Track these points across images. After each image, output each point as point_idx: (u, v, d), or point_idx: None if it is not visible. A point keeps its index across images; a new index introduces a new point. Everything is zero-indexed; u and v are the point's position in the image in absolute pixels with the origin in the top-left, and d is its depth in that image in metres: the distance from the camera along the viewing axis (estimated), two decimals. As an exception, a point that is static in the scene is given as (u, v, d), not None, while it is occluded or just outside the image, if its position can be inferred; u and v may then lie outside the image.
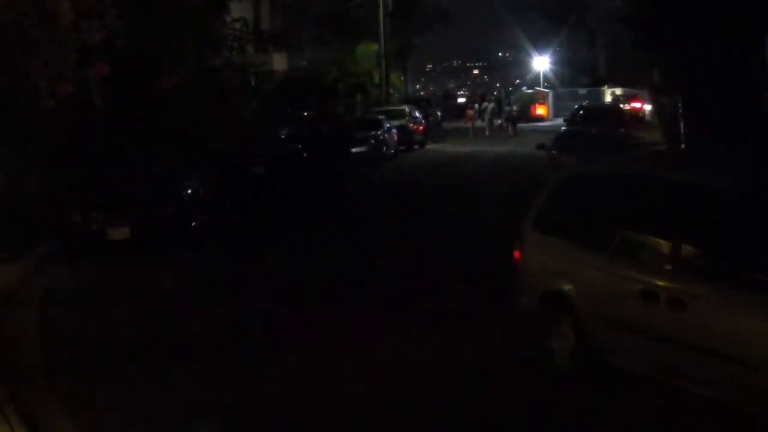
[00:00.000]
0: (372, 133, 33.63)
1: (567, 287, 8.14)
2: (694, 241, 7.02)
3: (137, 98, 20.38)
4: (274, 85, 35.73)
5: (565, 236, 8.49)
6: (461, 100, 69.09)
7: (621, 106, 46.88)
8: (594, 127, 25.74)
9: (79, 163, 17.74)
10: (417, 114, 41.71)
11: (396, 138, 35.94)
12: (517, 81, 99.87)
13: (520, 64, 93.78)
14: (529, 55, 79.39)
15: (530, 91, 67.26)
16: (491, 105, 51.18)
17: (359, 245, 16.36)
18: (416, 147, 39.63)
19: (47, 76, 16.21)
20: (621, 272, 7.50)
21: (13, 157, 16.97)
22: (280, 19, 42.13)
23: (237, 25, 26.39)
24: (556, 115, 58.12)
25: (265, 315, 11.47)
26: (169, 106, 21.79)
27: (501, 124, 51.12)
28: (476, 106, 54.76)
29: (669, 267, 7.05)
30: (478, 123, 50.21)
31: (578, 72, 73.44)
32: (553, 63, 76.05)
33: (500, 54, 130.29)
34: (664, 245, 7.20)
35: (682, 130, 28.74)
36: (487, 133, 47.42)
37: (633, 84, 50.76)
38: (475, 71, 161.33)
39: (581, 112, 34.96)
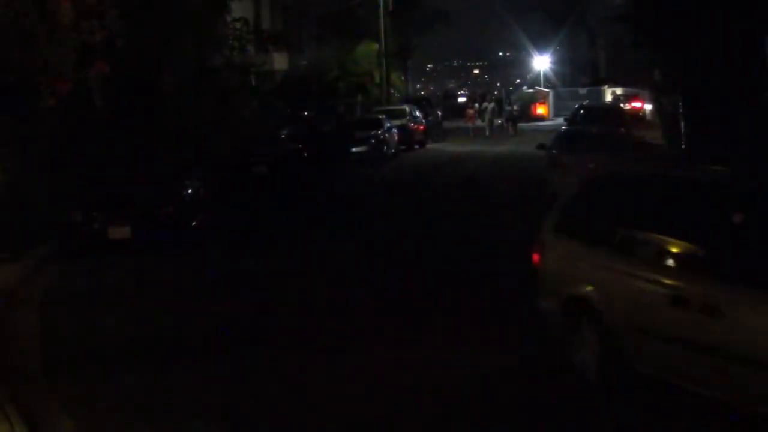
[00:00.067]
0: (372, 132, 33.63)
1: (591, 292, 7.95)
2: (727, 244, 6.82)
3: (137, 98, 20.37)
4: (274, 85, 35.74)
5: (588, 240, 8.31)
6: (461, 99, 69.07)
7: (621, 105, 46.90)
8: (594, 126, 25.72)
9: (79, 162, 17.73)
10: (417, 114, 41.72)
11: (396, 137, 35.95)
12: (518, 80, 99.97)
13: (521, 64, 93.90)
14: (530, 55, 79.46)
15: (531, 90, 67.29)
16: (491, 105, 51.20)
17: (360, 245, 16.36)
18: (416, 147, 39.65)
19: (47, 76, 16.22)
20: (649, 277, 7.30)
21: (14, 156, 16.96)
22: (280, 19, 42.14)
23: (237, 25, 26.40)
24: (557, 115, 58.18)
25: (266, 315, 11.47)
26: (170, 106, 21.79)
27: (501, 123, 51.13)
28: (476, 105, 54.76)
29: (701, 271, 6.83)
30: (479, 123, 50.22)
31: (579, 71, 73.45)
32: (554, 62, 76.06)
33: (500, 54, 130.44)
34: (695, 249, 7.03)
35: (683, 130, 28.76)
36: (487, 133, 47.44)
37: (633, 83, 50.75)
38: (476, 71, 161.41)
39: (582, 111, 34.98)
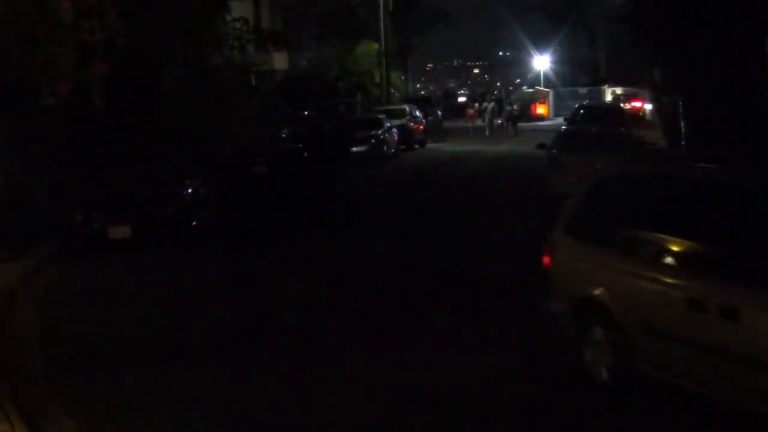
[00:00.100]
0: (372, 132, 33.62)
1: (603, 294, 7.84)
2: (743, 246, 6.73)
3: (137, 98, 20.37)
4: (274, 85, 35.76)
5: (600, 242, 8.18)
6: (461, 99, 69.06)
7: (621, 105, 46.89)
8: (595, 126, 25.71)
9: (79, 162, 17.74)
10: (417, 113, 41.71)
11: (396, 137, 35.95)
12: (518, 80, 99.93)
13: (521, 64, 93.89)
14: (530, 55, 79.45)
15: (531, 90, 67.27)
16: (491, 104, 51.17)
17: (360, 245, 16.36)
18: (417, 146, 39.64)
19: (47, 76, 16.21)
20: (664, 279, 7.20)
21: (14, 156, 16.96)
22: (280, 19, 42.14)
23: (237, 25, 26.38)
24: (557, 115, 58.19)
25: (266, 315, 11.47)
26: (170, 106, 21.79)
27: (501, 123, 51.12)
28: (476, 105, 54.76)
29: (718, 273, 6.71)
30: (479, 122, 50.21)
31: (579, 71, 73.46)
32: (554, 62, 76.05)
33: (501, 53, 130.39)
34: (711, 251, 6.92)
35: (683, 130, 28.77)
36: (487, 133, 47.42)
37: (633, 83, 50.76)
38: (476, 70, 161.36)
39: (582, 111, 34.95)
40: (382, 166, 31.76)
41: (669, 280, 7.15)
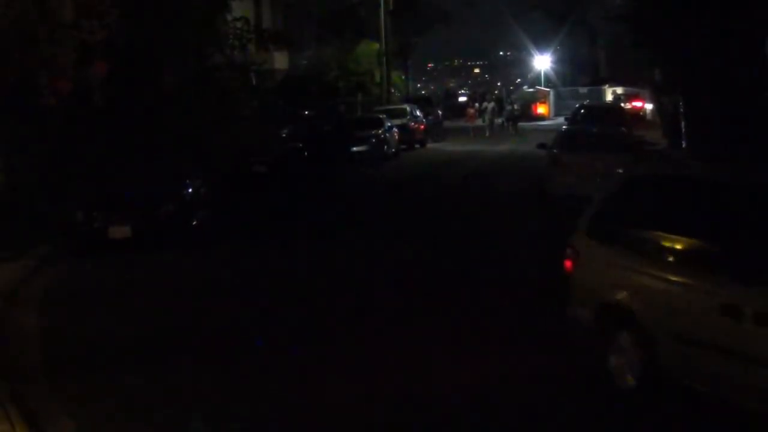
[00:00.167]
0: (373, 132, 33.61)
1: (629, 300, 7.61)
2: None
3: (138, 97, 20.37)
4: (274, 84, 35.74)
5: (625, 245, 7.95)
6: (462, 99, 69.05)
7: (622, 105, 46.92)
8: (595, 126, 25.72)
9: (79, 162, 17.74)
10: (418, 113, 41.70)
11: (397, 137, 35.94)
12: (518, 80, 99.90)
13: (521, 63, 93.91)
14: (530, 54, 79.45)
15: (531, 90, 67.29)
16: (491, 104, 51.15)
17: (360, 244, 16.36)
18: (417, 146, 39.64)
19: (47, 75, 16.22)
20: (695, 284, 6.96)
21: (14, 156, 16.97)
22: (281, 18, 42.15)
23: (238, 24, 26.38)
24: (557, 114, 58.20)
25: (267, 314, 11.47)
26: (170, 105, 21.79)
27: (502, 123, 51.12)
28: (476, 105, 54.73)
29: (754, 279, 6.45)
30: (479, 122, 50.20)
31: (579, 71, 73.51)
32: (554, 62, 76.06)
33: (501, 53, 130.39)
34: (745, 255, 6.69)
35: (683, 129, 28.79)
36: (487, 134, 47.40)
37: (634, 83, 50.81)
38: (476, 70, 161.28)
39: (582, 111, 34.97)
40: (383, 165, 31.75)
41: (700, 286, 6.90)
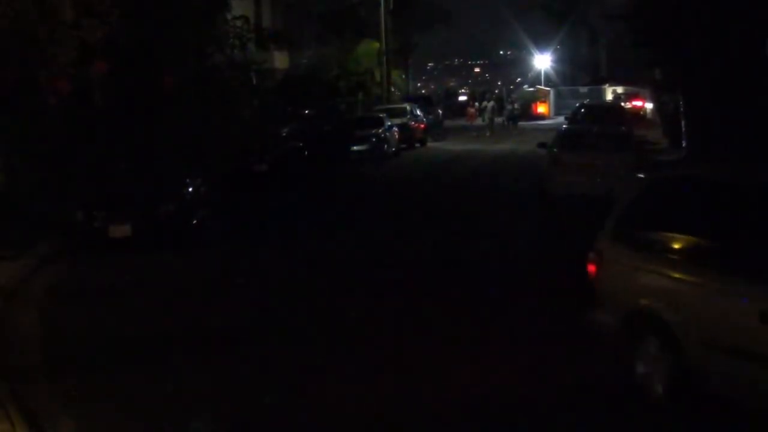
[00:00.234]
0: (373, 131, 33.62)
1: (657, 305, 7.39)
2: None
3: (138, 96, 20.37)
4: (275, 84, 35.70)
5: (654, 249, 7.71)
6: (462, 98, 69.05)
7: (622, 104, 46.91)
8: (595, 125, 25.72)
9: (80, 161, 17.73)
10: (418, 112, 41.70)
11: (397, 136, 35.94)
12: (519, 79, 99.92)
13: (522, 63, 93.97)
14: (531, 54, 79.56)
15: (531, 89, 67.28)
16: (491, 103, 51.13)
17: (360, 244, 16.36)
18: (417, 145, 39.63)
19: (48, 75, 16.22)
20: (731, 290, 6.70)
21: (14, 156, 16.97)
22: (281, 17, 42.14)
23: (238, 23, 26.34)
24: (558, 114, 58.17)
25: (267, 314, 11.47)
26: (170, 104, 21.77)
27: (502, 122, 51.11)
28: (476, 104, 54.73)
29: None
30: (479, 121, 50.19)
31: (579, 70, 73.56)
32: (555, 61, 76.10)
33: (501, 52, 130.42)
34: None
35: (683, 129, 28.80)
36: (487, 134, 47.37)
37: (634, 82, 50.79)
38: (477, 69, 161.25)
39: (583, 110, 34.97)
40: (383, 165, 31.74)
41: (738, 291, 6.66)
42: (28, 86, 16.50)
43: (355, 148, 31.96)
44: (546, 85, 68.36)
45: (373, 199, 23.56)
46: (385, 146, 34.03)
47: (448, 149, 39.08)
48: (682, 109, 29.03)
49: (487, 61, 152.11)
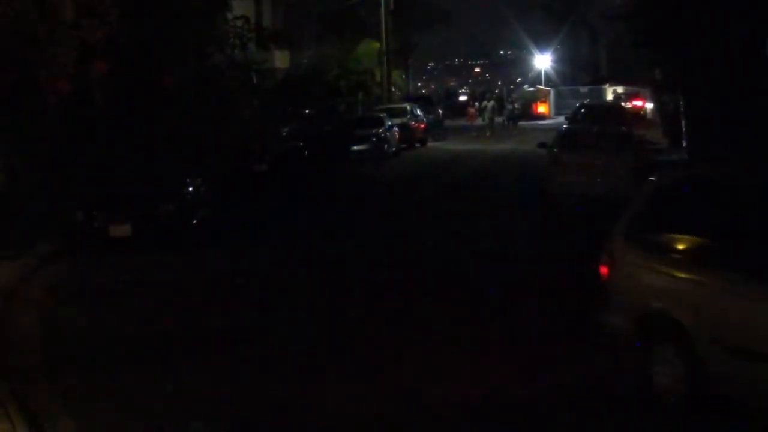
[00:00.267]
0: (373, 131, 33.62)
1: (674, 309, 7.24)
2: None
3: (138, 96, 20.36)
4: (275, 83, 35.68)
5: (669, 251, 7.57)
6: (462, 98, 69.04)
7: (622, 104, 46.91)
8: (596, 125, 25.73)
9: (80, 161, 17.73)
10: (418, 112, 41.69)
11: (397, 136, 35.94)
12: (519, 79, 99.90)
13: (522, 62, 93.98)
14: (531, 53, 79.56)
15: (532, 89, 67.30)
16: (491, 103, 51.11)
17: (360, 244, 16.36)
18: (418, 145, 39.63)
19: (48, 75, 16.22)
20: (752, 293, 6.54)
21: (14, 156, 16.96)
22: (281, 17, 42.13)
23: (239, 23, 26.33)
24: (558, 113, 58.19)
25: (267, 313, 11.47)
26: (171, 104, 21.77)
27: (503, 122, 51.10)
28: (476, 104, 54.73)
29: None
30: (479, 121, 50.19)
31: (579, 70, 73.57)
32: (555, 61, 76.10)
33: (501, 52, 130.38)
34: None
35: (683, 129, 28.81)
36: (487, 133, 47.35)
37: (634, 82, 50.79)
38: (477, 69, 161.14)
39: (583, 110, 34.97)
40: (383, 164, 31.74)
41: (760, 295, 6.49)
42: (28, 86, 16.49)
43: (355, 147, 31.96)
44: (546, 85, 68.38)
45: (373, 199, 23.56)
46: (386, 146, 34.02)
47: (449, 149, 39.07)
48: (682, 109, 29.04)
49: (487, 61, 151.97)
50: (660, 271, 7.59)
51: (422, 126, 41.02)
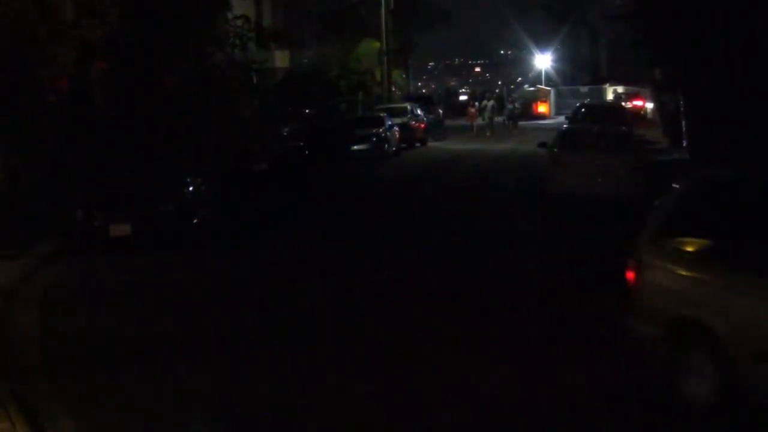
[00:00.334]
0: (373, 130, 33.59)
1: (705, 316, 7.08)
2: None
3: (139, 95, 20.37)
4: (275, 83, 35.69)
5: (700, 256, 7.44)
6: (463, 98, 69.00)
7: (623, 103, 46.90)
8: (596, 125, 25.72)
9: (80, 160, 17.73)
10: (419, 112, 41.66)
11: (397, 136, 35.92)
12: (519, 79, 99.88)
13: (522, 62, 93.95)
14: (531, 53, 79.50)
15: (532, 88, 67.26)
16: (491, 103, 51.05)
17: (360, 244, 16.35)
18: (418, 145, 39.60)
19: (48, 74, 16.22)
20: None
21: (14, 155, 16.96)
22: (281, 17, 42.12)
23: (239, 22, 26.33)
24: (558, 113, 58.16)
25: (268, 313, 11.47)
26: (171, 104, 21.77)
27: (503, 121, 51.09)
28: (476, 104, 54.71)
29: None
30: (479, 121, 50.18)
31: (580, 70, 73.49)
32: (555, 61, 76.06)
33: (502, 52, 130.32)
34: None
35: (684, 129, 28.81)
36: (488, 133, 47.32)
37: (635, 82, 50.77)
38: (477, 69, 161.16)
39: (583, 109, 34.96)
40: (383, 164, 31.73)
41: None
42: (28, 86, 16.49)
43: (355, 147, 31.94)
44: (546, 85, 68.34)
45: (373, 198, 23.55)
46: (386, 146, 34.00)
47: (449, 149, 39.06)
48: (682, 109, 29.04)
49: (487, 61, 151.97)
50: (689, 277, 7.47)
51: (422, 126, 40.99)
